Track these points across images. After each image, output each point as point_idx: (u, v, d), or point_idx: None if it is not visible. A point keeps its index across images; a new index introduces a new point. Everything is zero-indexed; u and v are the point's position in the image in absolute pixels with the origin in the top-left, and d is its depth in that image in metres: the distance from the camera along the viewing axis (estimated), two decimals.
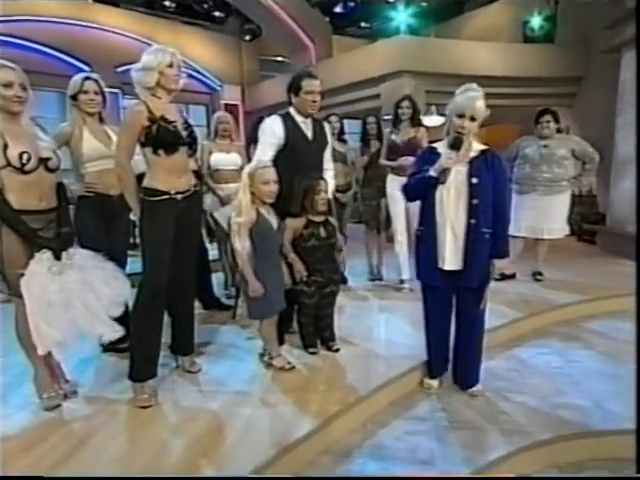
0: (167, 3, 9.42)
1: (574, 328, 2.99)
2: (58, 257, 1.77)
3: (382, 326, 2.82)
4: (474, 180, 1.91)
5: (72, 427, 1.78)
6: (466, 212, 1.93)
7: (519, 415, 2.00)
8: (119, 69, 7.74)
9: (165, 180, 1.88)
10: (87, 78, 2.24)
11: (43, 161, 1.78)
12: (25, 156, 1.70)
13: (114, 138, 2.25)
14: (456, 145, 1.90)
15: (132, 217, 2.10)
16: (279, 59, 10.71)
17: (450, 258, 1.97)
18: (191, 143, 1.96)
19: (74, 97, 2.22)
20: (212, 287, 3.24)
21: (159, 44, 1.97)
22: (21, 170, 1.70)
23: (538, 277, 3.74)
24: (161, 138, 1.82)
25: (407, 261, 3.37)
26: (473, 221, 1.92)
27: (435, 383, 2.25)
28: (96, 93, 2.24)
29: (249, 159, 2.93)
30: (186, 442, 1.67)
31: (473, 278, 1.97)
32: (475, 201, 1.91)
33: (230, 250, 2.14)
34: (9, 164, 1.68)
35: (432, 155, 2.00)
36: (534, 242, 3.74)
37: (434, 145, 2.08)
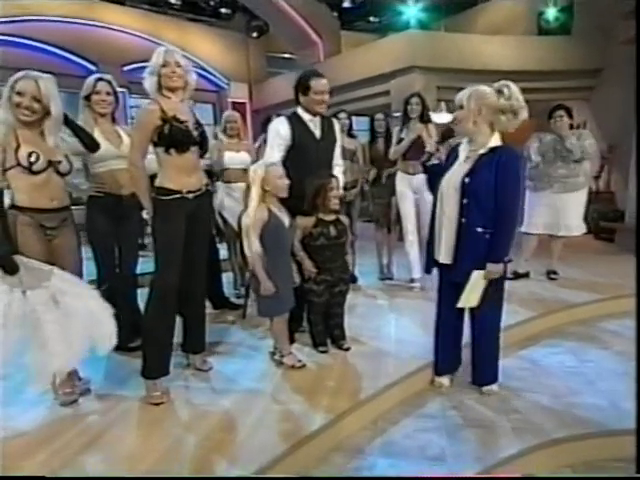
0: (173, 0, 9.38)
1: (589, 328, 2.94)
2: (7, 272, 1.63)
3: (392, 325, 2.81)
4: (466, 179, 1.92)
5: (86, 424, 1.81)
6: (457, 210, 1.95)
7: (532, 414, 1.97)
8: (125, 68, 7.73)
9: (176, 179, 1.89)
10: (100, 79, 2.27)
11: (53, 163, 1.81)
12: (33, 156, 1.72)
13: (125, 138, 2.28)
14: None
15: (145, 216, 2.12)
16: (286, 56, 10.65)
17: (444, 252, 2.03)
18: (202, 143, 1.97)
19: (87, 98, 2.26)
20: (222, 287, 3.25)
21: (165, 42, 1.97)
22: (29, 170, 1.73)
23: (552, 276, 3.68)
24: (173, 138, 1.84)
25: (418, 259, 3.34)
26: (464, 220, 1.93)
27: (446, 381, 2.23)
28: (108, 94, 2.27)
29: (257, 158, 2.93)
30: (198, 438, 1.69)
31: (461, 274, 1.96)
32: (465, 200, 1.92)
33: (240, 249, 2.15)
34: (19, 164, 1.72)
35: (454, 152, 2.09)
36: (549, 240, 3.68)
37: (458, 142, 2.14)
